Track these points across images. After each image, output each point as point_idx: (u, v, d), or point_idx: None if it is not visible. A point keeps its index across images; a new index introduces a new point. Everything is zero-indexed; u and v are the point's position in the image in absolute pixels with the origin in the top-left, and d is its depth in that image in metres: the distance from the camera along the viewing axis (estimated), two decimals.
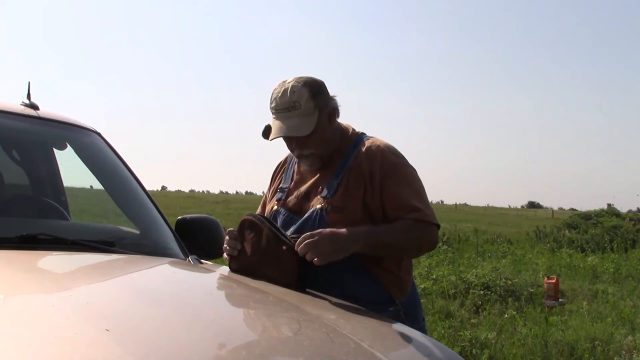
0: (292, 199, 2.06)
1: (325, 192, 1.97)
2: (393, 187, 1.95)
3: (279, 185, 2.15)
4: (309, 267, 1.82)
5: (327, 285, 1.86)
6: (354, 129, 2.11)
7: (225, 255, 2.01)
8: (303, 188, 2.05)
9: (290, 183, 2.10)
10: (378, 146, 2.01)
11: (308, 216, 1.97)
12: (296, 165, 2.14)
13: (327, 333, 1.44)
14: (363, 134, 2.11)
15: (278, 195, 2.11)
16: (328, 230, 1.83)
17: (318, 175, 2.04)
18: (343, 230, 1.83)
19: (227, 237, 2.00)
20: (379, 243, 1.90)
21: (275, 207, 2.07)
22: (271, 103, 2.00)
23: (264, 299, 1.73)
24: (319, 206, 1.96)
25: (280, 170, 2.21)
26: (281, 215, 2.04)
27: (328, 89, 2.03)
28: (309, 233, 1.82)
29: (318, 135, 1.96)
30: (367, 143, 2.03)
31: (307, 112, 1.93)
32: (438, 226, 1.99)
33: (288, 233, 1.96)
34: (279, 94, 1.96)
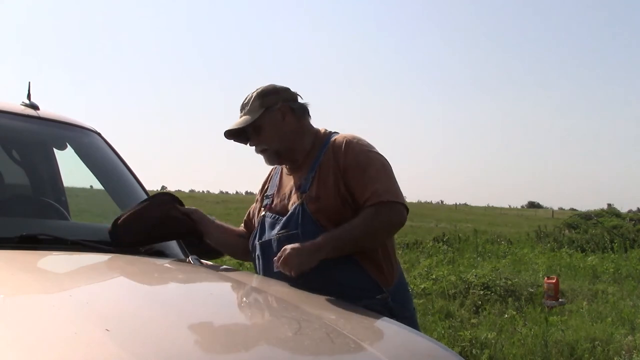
0: (276, 202, 2.18)
1: (302, 188, 2.11)
2: (356, 174, 2.05)
3: (264, 194, 2.29)
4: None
5: (313, 274, 1.93)
6: (326, 130, 2.23)
7: None
8: (285, 191, 2.18)
9: (275, 190, 2.23)
10: (344, 138, 2.13)
11: (291, 212, 2.08)
12: (279, 173, 2.27)
13: (327, 333, 1.44)
14: (335, 132, 2.22)
15: (264, 202, 2.23)
16: (290, 247, 1.93)
17: (296, 176, 2.17)
18: (307, 243, 1.94)
19: None
20: (346, 243, 1.98)
21: (263, 212, 2.20)
22: None
23: (264, 299, 1.73)
24: (298, 201, 2.09)
25: (267, 182, 2.34)
26: (267, 219, 2.16)
27: (300, 93, 2.20)
28: (279, 253, 1.94)
29: (269, 130, 2.13)
30: (335, 138, 2.15)
31: (252, 110, 2.13)
32: (403, 204, 2.04)
33: (274, 232, 2.09)
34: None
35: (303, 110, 2.20)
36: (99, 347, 1.07)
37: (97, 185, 2.61)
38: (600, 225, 16.68)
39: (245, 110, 2.15)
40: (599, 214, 20.18)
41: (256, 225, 2.20)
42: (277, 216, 2.12)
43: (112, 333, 1.12)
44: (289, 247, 1.93)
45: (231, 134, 2.18)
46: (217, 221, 2.33)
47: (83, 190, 3.16)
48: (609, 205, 24.33)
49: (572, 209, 41.04)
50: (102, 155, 2.61)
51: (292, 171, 2.20)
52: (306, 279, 1.92)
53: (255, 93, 2.15)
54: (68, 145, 2.71)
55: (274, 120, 2.13)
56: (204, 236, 2.22)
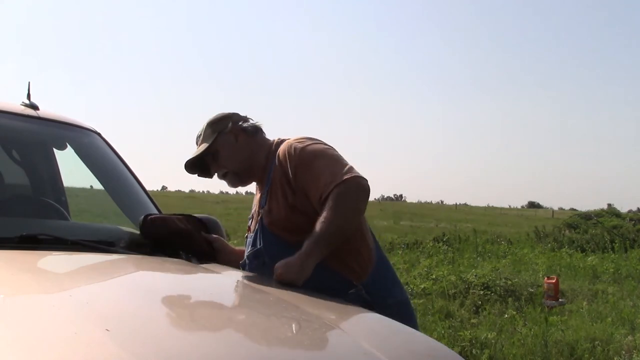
0: (253, 222, 2.26)
1: (261, 203, 2.19)
2: (305, 175, 2.07)
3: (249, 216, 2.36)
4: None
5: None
6: (277, 140, 2.26)
7: None
8: (255, 209, 2.25)
9: (253, 210, 2.29)
10: (285, 145, 2.16)
11: (255, 230, 2.18)
12: (256, 193, 2.33)
13: (327, 333, 1.44)
14: (283, 141, 2.23)
15: (249, 223, 2.31)
16: (278, 266, 1.93)
17: (260, 193, 2.24)
18: (294, 256, 1.93)
19: None
20: (330, 237, 1.97)
21: (247, 235, 2.27)
22: None
23: (264, 299, 1.73)
24: (258, 217, 2.18)
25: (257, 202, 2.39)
26: (248, 239, 2.23)
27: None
28: (275, 275, 1.93)
29: (225, 153, 2.19)
30: (279, 148, 2.18)
31: (206, 138, 2.21)
32: (358, 175, 2.03)
33: (247, 252, 2.19)
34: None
35: (255, 129, 2.25)
36: (99, 347, 1.07)
37: (97, 185, 2.61)
38: (600, 225, 16.66)
39: (199, 140, 2.23)
40: (599, 214, 20.15)
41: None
42: (252, 235, 2.21)
43: (112, 333, 1.12)
44: (278, 266, 1.93)
45: (193, 168, 2.25)
46: (237, 247, 2.38)
47: (83, 190, 3.16)
48: (609, 205, 24.32)
49: (572, 209, 41.04)
50: (102, 155, 2.61)
51: (259, 189, 2.26)
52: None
53: (205, 124, 2.23)
54: (68, 145, 2.71)
55: (227, 142, 2.19)
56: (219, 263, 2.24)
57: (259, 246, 2.13)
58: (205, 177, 2.27)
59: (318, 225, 1.97)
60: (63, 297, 1.43)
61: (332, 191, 1.99)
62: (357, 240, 2.14)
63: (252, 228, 2.24)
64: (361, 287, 2.08)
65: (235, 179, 2.23)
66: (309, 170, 2.06)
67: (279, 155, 2.14)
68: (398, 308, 2.10)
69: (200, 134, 2.23)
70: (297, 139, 2.17)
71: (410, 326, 2.10)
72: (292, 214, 2.08)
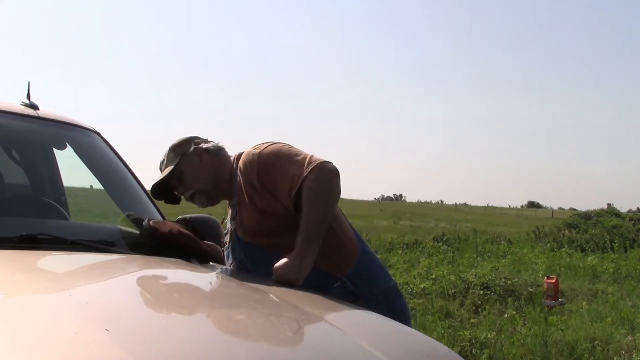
0: (228, 236, 2.26)
1: (232, 216, 2.22)
2: (269, 175, 2.09)
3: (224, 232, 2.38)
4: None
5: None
6: (237, 155, 2.28)
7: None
8: (229, 225, 2.27)
9: (228, 227, 2.30)
10: (244, 157, 2.18)
11: (231, 242, 2.20)
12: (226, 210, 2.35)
13: (327, 333, 1.44)
14: (241, 154, 2.25)
15: (225, 238, 2.31)
16: (277, 266, 1.95)
17: (229, 208, 2.26)
18: (291, 257, 1.95)
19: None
20: (316, 231, 2.00)
21: (223, 248, 2.29)
22: None
23: (264, 299, 1.73)
24: (232, 230, 2.21)
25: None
26: (226, 252, 2.25)
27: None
28: (275, 277, 1.96)
29: (190, 174, 2.21)
30: (240, 162, 2.20)
31: (170, 161, 2.23)
32: (321, 162, 2.05)
33: (228, 264, 2.21)
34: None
35: (218, 149, 2.28)
36: (98, 347, 1.07)
37: (97, 185, 2.61)
38: (600, 225, 16.67)
39: (164, 166, 2.25)
40: (599, 214, 20.15)
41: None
42: (228, 247, 2.23)
43: (112, 333, 1.12)
44: (277, 267, 1.96)
45: (160, 194, 2.27)
46: None
47: (83, 190, 3.16)
48: (609, 205, 24.32)
49: (572, 209, 41.03)
50: (102, 155, 2.61)
51: (229, 206, 2.28)
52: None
53: (168, 149, 2.26)
54: (68, 145, 2.71)
55: (192, 163, 2.22)
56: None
57: (241, 256, 2.16)
58: (173, 203, 2.29)
59: (303, 223, 2.00)
60: (63, 297, 1.43)
61: (303, 185, 2.01)
62: (337, 233, 2.15)
63: (227, 242, 2.26)
64: (346, 279, 2.11)
65: (204, 199, 2.24)
66: (272, 170, 2.09)
67: (240, 167, 2.17)
68: (384, 296, 2.14)
69: (164, 160, 2.26)
70: (253, 147, 2.20)
71: (400, 309, 2.16)
72: (263, 218, 2.11)
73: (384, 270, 2.32)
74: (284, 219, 2.08)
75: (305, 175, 2.02)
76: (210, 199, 2.26)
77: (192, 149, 2.24)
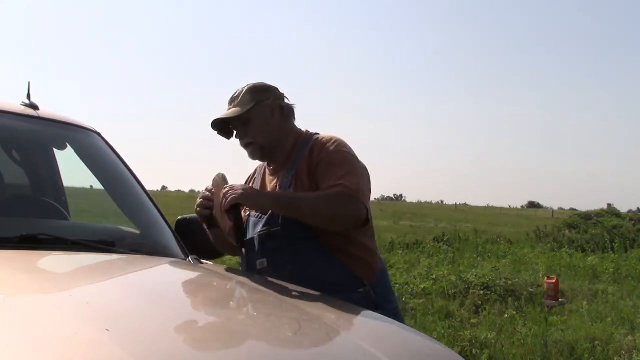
0: None
1: (283, 187, 2.16)
2: (325, 168, 2.08)
3: None
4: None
5: (294, 272, 1.98)
6: (308, 131, 2.27)
7: (199, 200, 2.21)
8: (268, 190, 2.23)
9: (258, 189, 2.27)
10: (323, 139, 2.18)
11: (272, 211, 2.11)
12: (262, 174, 2.31)
13: (327, 333, 1.44)
14: (316, 133, 2.25)
15: None
16: (239, 185, 2.07)
17: (278, 176, 2.22)
18: (253, 188, 2.09)
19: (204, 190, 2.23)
20: (292, 205, 2.02)
21: (248, 212, 2.21)
22: None
23: (264, 299, 1.73)
24: None
25: (250, 181, 2.39)
26: (252, 218, 2.19)
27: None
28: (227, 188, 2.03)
29: (257, 124, 2.16)
30: (319, 136, 2.20)
31: (243, 103, 2.16)
32: (365, 206, 2.03)
33: (257, 230, 2.13)
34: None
35: (290, 111, 2.25)
36: (99, 347, 1.07)
37: (97, 185, 2.61)
38: (600, 225, 16.65)
39: (235, 103, 2.18)
40: (599, 214, 20.14)
41: (245, 223, 2.20)
42: (260, 215, 2.15)
43: (112, 333, 1.12)
44: (238, 185, 2.05)
45: (217, 126, 2.21)
46: None
47: (83, 190, 3.16)
48: (609, 205, 24.35)
49: (572, 209, 41.04)
50: (102, 155, 2.61)
51: (274, 172, 2.24)
52: (285, 276, 1.94)
53: (246, 87, 2.19)
54: (68, 145, 2.71)
55: (263, 115, 2.16)
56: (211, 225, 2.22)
57: (277, 228, 2.08)
58: (225, 137, 2.24)
59: (306, 193, 2.04)
60: (63, 297, 1.43)
61: (336, 191, 1.99)
62: (372, 239, 2.16)
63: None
64: (369, 287, 2.09)
65: (258, 153, 2.20)
66: (330, 168, 2.07)
67: (316, 144, 2.14)
68: (393, 315, 2.13)
69: (238, 96, 2.18)
70: (339, 139, 2.17)
71: None
72: None
73: (393, 290, 2.33)
74: None
75: (341, 189, 1.99)
76: (263, 155, 2.22)
77: (270, 100, 2.18)
